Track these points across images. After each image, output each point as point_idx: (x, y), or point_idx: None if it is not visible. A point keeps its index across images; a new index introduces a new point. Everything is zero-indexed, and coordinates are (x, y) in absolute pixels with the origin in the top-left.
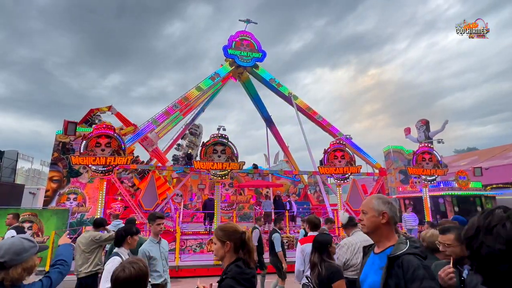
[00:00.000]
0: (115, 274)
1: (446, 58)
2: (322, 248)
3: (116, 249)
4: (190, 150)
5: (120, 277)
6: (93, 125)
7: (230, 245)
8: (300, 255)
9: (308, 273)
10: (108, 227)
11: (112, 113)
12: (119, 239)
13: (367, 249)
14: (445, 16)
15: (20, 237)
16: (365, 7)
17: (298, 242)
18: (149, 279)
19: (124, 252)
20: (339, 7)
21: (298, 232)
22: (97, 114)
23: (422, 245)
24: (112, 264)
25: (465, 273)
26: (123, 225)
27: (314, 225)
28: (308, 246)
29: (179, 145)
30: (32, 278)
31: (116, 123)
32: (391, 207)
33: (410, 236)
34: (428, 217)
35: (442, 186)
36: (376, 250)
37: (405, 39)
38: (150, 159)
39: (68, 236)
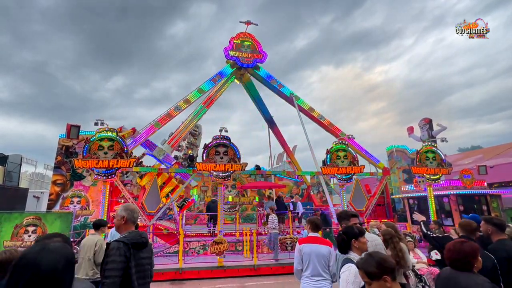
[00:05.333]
0: None
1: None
2: None
3: (346, 255)
4: (189, 151)
5: None
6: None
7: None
8: (298, 254)
9: (306, 273)
10: (111, 230)
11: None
12: (343, 246)
13: None
14: (454, 10)
15: None
16: (373, 2)
17: (297, 242)
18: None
19: (356, 257)
20: (346, 2)
21: (299, 233)
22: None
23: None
24: (349, 272)
25: None
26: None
27: (315, 226)
28: (306, 247)
29: (179, 145)
30: None
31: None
32: (128, 213)
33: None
34: (434, 216)
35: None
36: None
37: (412, 35)
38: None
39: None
